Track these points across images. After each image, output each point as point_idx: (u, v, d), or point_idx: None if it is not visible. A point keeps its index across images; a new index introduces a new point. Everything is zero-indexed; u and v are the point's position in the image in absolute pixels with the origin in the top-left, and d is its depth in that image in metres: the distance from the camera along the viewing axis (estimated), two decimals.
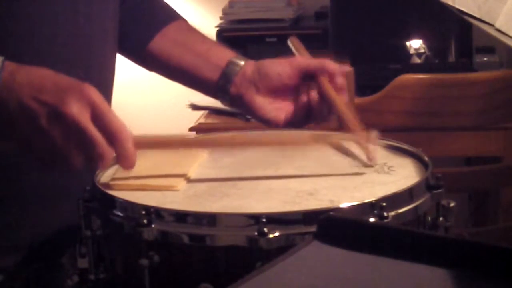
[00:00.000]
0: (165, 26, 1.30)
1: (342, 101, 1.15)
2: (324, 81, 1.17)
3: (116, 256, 0.95)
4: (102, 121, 0.94)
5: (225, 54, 1.25)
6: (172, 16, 1.33)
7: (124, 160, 0.96)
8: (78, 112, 0.93)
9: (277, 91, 1.20)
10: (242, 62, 1.23)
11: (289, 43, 1.33)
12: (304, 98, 1.17)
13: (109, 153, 0.94)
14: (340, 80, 1.17)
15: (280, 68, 1.20)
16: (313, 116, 1.18)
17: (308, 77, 1.19)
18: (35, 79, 0.97)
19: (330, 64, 1.19)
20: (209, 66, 1.25)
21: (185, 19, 1.34)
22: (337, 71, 1.18)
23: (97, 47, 1.20)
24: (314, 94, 1.16)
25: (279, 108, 1.20)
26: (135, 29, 1.30)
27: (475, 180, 1.77)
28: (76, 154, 0.94)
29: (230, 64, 1.23)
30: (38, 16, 1.11)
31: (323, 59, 1.20)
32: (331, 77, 1.17)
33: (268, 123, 1.21)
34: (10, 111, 0.96)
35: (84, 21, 1.16)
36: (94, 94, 0.95)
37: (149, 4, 1.33)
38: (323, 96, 1.16)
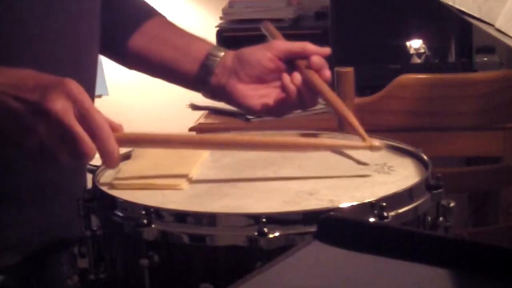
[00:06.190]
0: (143, 23, 1.30)
1: (327, 86, 1.15)
2: (303, 65, 1.17)
3: (116, 256, 0.95)
4: (85, 117, 0.94)
5: (204, 46, 1.25)
6: (149, 12, 1.33)
7: (105, 158, 0.96)
8: (62, 108, 0.93)
9: (259, 78, 1.19)
10: (222, 53, 1.23)
11: (263, 28, 1.32)
12: (287, 83, 1.16)
13: (93, 149, 0.94)
14: (317, 60, 1.17)
15: (259, 54, 1.20)
16: (298, 101, 1.17)
17: (289, 62, 1.19)
18: (16, 79, 0.97)
19: (310, 46, 1.18)
20: (188, 59, 1.24)
21: (163, 15, 1.34)
22: (317, 52, 1.18)
23: (85, 45, 1.20)
24: (297, 79, 1.16)
25: (264, 95, 1.19)
26: (114, 28, 1.30)
27: (475, 180, 1.77)
28: (62, 150, 0.94)
29: (209, 55, 1.23)
30: (28, 15, 1.11)
31: (303, 42, 1.20)
32: (310, 59, 1.17)
33: (252, 111, 1.21)
34: None
35: (73, 19, 1.16)
36: (77, 89, 0.95)
37: (126, 3, 1.33)
38: (307, 82, 1.16)
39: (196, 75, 1.23)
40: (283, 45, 1.20)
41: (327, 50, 1.19)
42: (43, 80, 0.97)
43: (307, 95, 1.16)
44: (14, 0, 1.10)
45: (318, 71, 1.16)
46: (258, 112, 1.21)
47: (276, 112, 1.19)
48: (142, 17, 1.31)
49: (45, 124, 0.93)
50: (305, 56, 1.17)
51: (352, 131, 1.09)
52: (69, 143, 0.94)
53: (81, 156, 0.94)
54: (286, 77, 1.17)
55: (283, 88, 1.17)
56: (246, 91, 1.20)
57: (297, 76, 1.16)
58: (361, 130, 1.07)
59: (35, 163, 0.99)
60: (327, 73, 1.17)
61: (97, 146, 0.95)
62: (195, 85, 1.25)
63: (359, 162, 1.04)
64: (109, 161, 0.96)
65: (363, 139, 1.06)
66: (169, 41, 1.27)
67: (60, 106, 0.93)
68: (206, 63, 1.23)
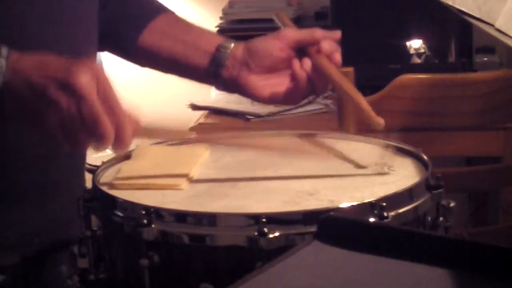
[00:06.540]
0: (152, 19, 1.30)
1: (336, 70, 1.14)
2: (314, 51, 1.16)
3: (116, 256, 0.95)
4: (106, 99, 0.95)
5: (214, 40, 1.25)
6: (159, 9, 1.33)
7: (119, 142, 0.96)
8: (86, 84, 0.94)
9: (270, 68, 1.19)
10: (232, 45, 1.23)
11: (275, 18, 1.32)
12: (296, 70, 1.16)
13: (111, 131, 0.95)
14: (327, 44, 1.16)
15: (269, 43, 1.20)
16: (309, 88, 1.17)
17: (300, 50, 1.19)
18: (41, 60, 0.98)
19: (319, 32, 1.18)
20: (198, 53, 1.24)
21: (172, 11, 1.34)
22: (326, 37, 1.17)
23: (83, 45, 1.20)
24: (307, 66, 1.16)
25: (276, 84, 1.19)
26: (124, 25, 1.30)
27: (475, 180, 1.77)
28: (82, 129, 0.94)
29: (220, 48, 1.23)
30: (27, 16, 1.11)
31: (312, 28, 1.19)
32: (320, 44, 1.17)
33: (265, 101, 1.21)
34: (19, 92, 0.97)
35: (72, 20, 1.17)
36: (101, 70, 0.96)
37: (134, 0, 1.34)
38: (317, 68, 1.16)
39: (207, 69, 1.23)
40: (292, 33, 1.20)
41: (337, 33, 1.19)
42: (66, 60, 0.98)
43: (317, 81, 1.15)
44: (14, 1, 1.10)
45: (328, 55, 1.16)
46: (271, 102, 1.21)
47: (289, 101, 1.19)
48: (152, 13, 1.31)
49: (67, 99, 0.94)
50: (315, 43, 1.17)
51: (361, 112, 1.07)
52: (89, 122, 0.94)
53: (99, 137, 0.94)
54: (296, 64, 1.16)
55: (293, 75, 1.17)
56: (258, 82, 1.20)
57: (307, 62, 1.15)
58: (370, 111, 1.05)
59: (54, 141, 0.98)
60: (337, 57, 1.16)
61: (114, 128, 0.95)
62: (207, 79, 1.25)
63: (358, 165, 1.04)
64: (120, 146, 0.96)
65: (372, 119, 1.03)
66: (179, 36, 1.27)
67: (85, 81, 0.94)
68: (217, 56, 1.22)
